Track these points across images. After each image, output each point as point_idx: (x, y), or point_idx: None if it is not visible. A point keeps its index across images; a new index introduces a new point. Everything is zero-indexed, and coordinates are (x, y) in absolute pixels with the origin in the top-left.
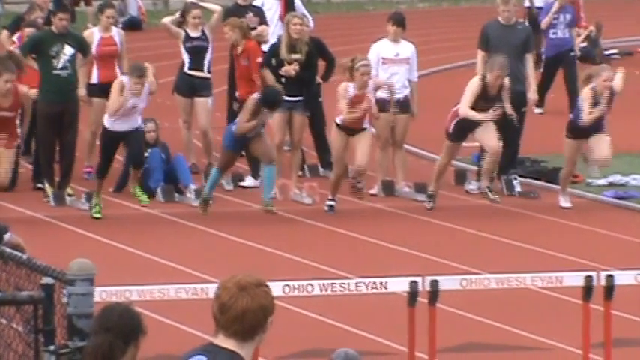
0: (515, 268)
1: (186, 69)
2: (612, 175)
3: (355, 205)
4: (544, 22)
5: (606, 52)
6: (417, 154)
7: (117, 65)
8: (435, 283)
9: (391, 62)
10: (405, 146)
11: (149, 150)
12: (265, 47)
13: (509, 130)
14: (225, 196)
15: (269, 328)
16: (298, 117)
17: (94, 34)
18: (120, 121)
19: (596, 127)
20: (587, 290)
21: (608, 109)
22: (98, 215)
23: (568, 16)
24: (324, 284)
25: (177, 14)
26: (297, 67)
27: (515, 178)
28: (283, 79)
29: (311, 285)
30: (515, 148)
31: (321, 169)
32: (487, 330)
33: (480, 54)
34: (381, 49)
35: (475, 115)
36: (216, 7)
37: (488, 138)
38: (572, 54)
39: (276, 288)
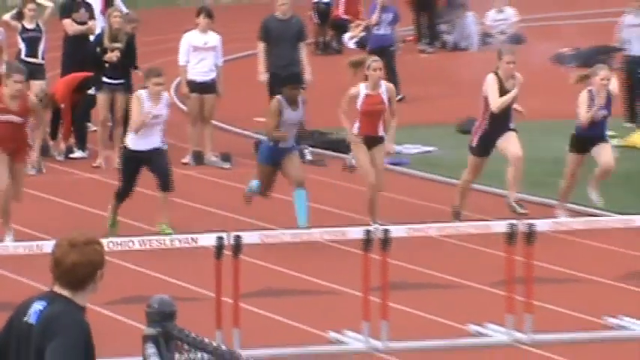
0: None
1: (22, 56)
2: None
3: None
4: (373, 19)
5: None
6: (222, 128)
7: None
8: (238, 238)
9: (201, 50)
10: (213, 122)
11: None
12: (92, 38)
13: None
14: (58, 165)
15: (100, 279)
16: (120, 97)
17: None
18: (143, 138)
19: (598, 134)
20: (367, 242)
21: (608, 113)
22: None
23: (390, 15)
24: (143, 240)
25: (15, 10)
26: (118, 54)
27: (307, 148)
28: (107, 65)
29: (132, 241)
30: None
31: None
32: (283, 277)
33: (261, 45)
34: (192, 38)
35: (506, 99)
36: (49, 3)
37: (511, 146)
38: (392, 48)
39: None
